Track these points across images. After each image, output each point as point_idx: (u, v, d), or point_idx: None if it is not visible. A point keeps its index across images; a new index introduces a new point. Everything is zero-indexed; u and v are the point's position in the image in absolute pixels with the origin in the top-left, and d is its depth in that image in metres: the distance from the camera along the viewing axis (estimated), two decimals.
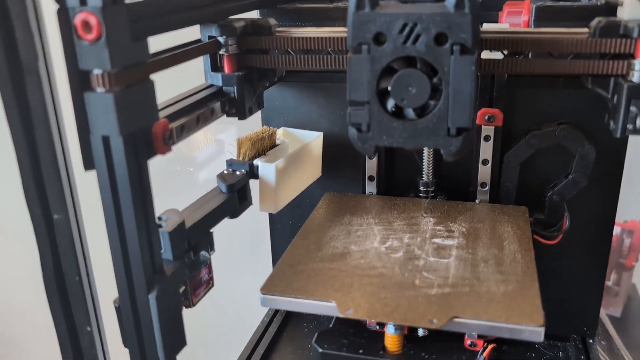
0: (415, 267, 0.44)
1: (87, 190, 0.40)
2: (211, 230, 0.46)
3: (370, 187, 0.61)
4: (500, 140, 0.56)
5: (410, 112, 0.41)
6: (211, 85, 0.49)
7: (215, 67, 0.49)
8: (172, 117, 0.41)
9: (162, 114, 0.41)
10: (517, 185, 0.57)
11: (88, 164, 0.37)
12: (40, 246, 0.39)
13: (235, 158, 0.53)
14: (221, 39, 0.47)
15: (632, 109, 0.41)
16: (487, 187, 0.57)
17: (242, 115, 0.49)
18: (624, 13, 0.42)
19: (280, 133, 0.61)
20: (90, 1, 0.33)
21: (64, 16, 0.34)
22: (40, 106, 0.36)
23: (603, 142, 0.54)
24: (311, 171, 0.60)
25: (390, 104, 0.41)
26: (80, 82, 0.35)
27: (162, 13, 0.40)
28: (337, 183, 0.63)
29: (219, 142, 0.83)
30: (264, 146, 0.55)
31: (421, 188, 0.59)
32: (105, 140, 0.36)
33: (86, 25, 0.33)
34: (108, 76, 0.34)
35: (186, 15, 0.43)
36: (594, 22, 0.43)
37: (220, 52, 0.47)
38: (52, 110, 0.36)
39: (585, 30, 0.44)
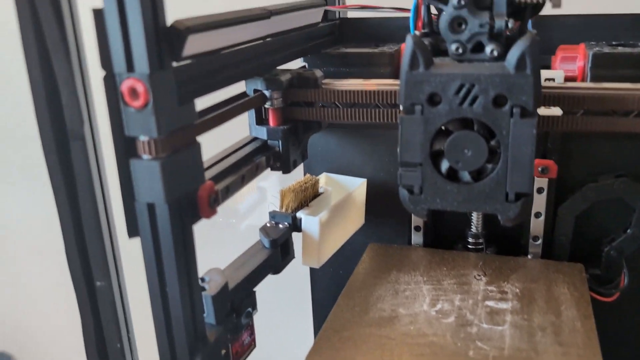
0: (468, 335, 0.42)
1: (130, 256, 0.39)
2: (254, 289, 0.45)
3: (417, 238, 0.59)
4: (554, 192, 0.54)
5: (465, 175, 0.39)
6: (255, 139, 0.48)
7: (260, 120, 0.47)
8: (217, 178, 0.40)
9: (207, 174, 0.40)
10: (571, 239, 0.54)
11: (132, 231, 0.36)
12: (82, 312, 0.38)
13: (278, 210, 0.51)
14: (267, 92, 0.46)
15: None
16: (540, 241, 0.55)
17: (287, 169, 0.47)
18: None
19: (323, 180, 0.60)
20: (138, 67, 0.32)
21: (111, 82, 0.33)
22: (85, 172, 0.35)
23: None
24: (355, 220, 0.58)
25: (445, 165, 0.39)
26: (125, 148, 0.34)
27: (209, 73, 0.39)
28: (381, 232, 0.61)
29: (261, 189, 0.81)
30: (307, 196, 0.54)
31: (470, 240, 0.57)
32: (151, 207, 0.35)
33: (133, 92, 0.33)
34: (154, 143, 0.33)
35: (233, 72, 0.42)
36: None
37: (266, 106, 0.46)
38: (96, 176, 0.35)
39: None
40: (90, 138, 0.35)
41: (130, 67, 0.32)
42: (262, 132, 0.47)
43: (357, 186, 0.58)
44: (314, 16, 0.55)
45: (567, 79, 0.53)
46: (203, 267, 0.42)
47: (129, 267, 0.39)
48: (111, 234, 0.37)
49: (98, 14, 0.32)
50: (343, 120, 0.46)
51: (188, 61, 0.36)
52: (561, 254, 0.55)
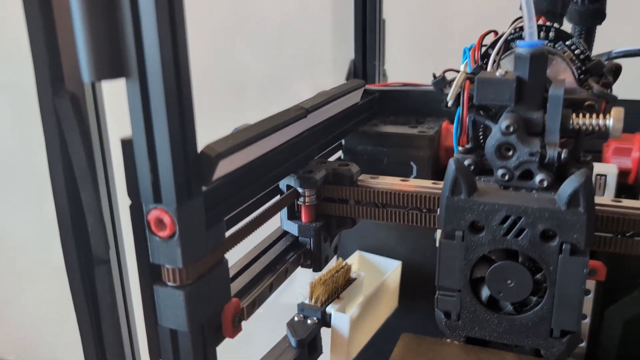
0: None
1: None
2: None
3: None
4: (603, 294, 0.50)
5: (507, 306, 0.36)
6: (286, 233, 0.46)
7: (292, 214, 0.46)
8: (243, 291, 0.39)
9: (233, 287, 0.38)
10: (618, 344, 0.51)
11: (154, 354, 0.34)
12: None
13: (307, 301, 0.50)
14: (299, 189, 0.44)
15: None
16: (585, 343, 0.51)
17: (318, 268, 0.46)
18: None
19: (356, 259, 0.58)
20: (165, 199, 0.31)
21: (137, 211, 0.32)
22: (109, 297, 0.34)
23: None
24: (388, 305, 0.56)
25: (485, 293, 0.36)
26: (150, 274, 0.33)
27: (240, 188, 0.37)
28: (414, 316, 0.58)
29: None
30: (338, 285, 0.52)
31: None
32: (173, 333, 0.34)
33: (160, 222, 0.31)
34: (179, 272, 0.32)
35: (265, 179, 0.40)
36: None
37: (299, 202, 0.45)
38: (121, 301, 0.34)
39: None
40: (116, 262, 0.34)
41: (157, 198, 0.31)
42: (293, 228, 0.45)
43: (392, 271, 0.55)
44: (354, 98, 0.53)
45: (621, 172, 0.50)
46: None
47: None
48: (134, 356, 0.36)
49: (127, 144, 0.30)
50: (378, 220, 0.44)
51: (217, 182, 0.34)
52: (607, 357, 0.51)
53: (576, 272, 0.34)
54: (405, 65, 0.68)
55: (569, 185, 0.32)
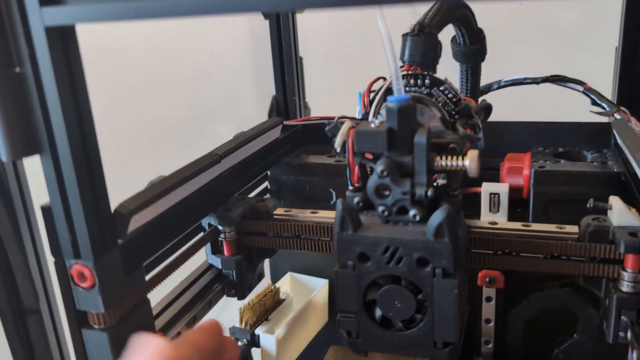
0: None
1: None
2: None
3: None
4: (503, 299, 0.56)
5: (398, 323, 0.42)
6: (211, 266, 0.51)
7: (216, 249, 0.50)
8: (167, 326, 0.43)
9: (157, 323, 0.43)
10: (521, 343, 0.57)
11: None
12: None
13: (237, 326, 0.54)
14: (220, 227, 0.49)
15: (624, 318, 0.41)
16: (491, 345, 0.57)
17: (242, 296, 0.50)
18: (613, 218, 0.42)
19: (288, 280, 0.63)
20: (83, 254, 0.35)
21: (61, 266, 0.36)
22: (42, 342, 0.38)
23: None
24: (317, 321, 0.61)
25: (378, 313, 0.42)
26: (78, 319, 0.37)
27: (158, 233, 0.42)
28: None
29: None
30: (267, 307, 0.57)
31: None
32: None
33: (81, 275, 0.36)
34: (102, 316, 0.37)
35: (184, 222, 0.45)
36: (583, 223, 0.43)
37: (220, 238, 0.49)
38: (55, 345, 0.38)
39: (576, 230, 0.44)
40: (48, 312, 0.38)
41: (77, 254, 0.35)
42: (217, 262, 0.50)
43: (319, 289, 0.61)
44: (273, 134, 0.58)
45: (512, 189, 0.55)
46: None
47: None
48: None
49: (46, 211, 0.35)
50: (295, 249, 0.49)
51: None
52: (513, 357, 0.57)
53: (449, 292, 0.39)
54: (326, 98, 0.74)
55: (435, 219, 0.38)
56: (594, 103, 0.54)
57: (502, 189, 0.55)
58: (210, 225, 0.49)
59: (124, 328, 0.38)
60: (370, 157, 0.41)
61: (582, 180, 0.53)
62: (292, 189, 0.61)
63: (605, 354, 0.56)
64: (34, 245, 0.37)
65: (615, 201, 0.42)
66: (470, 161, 0.38)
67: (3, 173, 0.35)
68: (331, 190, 0.60)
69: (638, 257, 0.40)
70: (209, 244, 0.50)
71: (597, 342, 0.55)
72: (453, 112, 0.44)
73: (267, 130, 0.56)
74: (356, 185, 0.43)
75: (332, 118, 0.64)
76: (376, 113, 0.44)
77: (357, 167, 0.42)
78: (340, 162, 0.60)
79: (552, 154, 0.58)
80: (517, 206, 0.58)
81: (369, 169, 0.42)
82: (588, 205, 0.43)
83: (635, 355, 0.41)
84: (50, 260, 0.38)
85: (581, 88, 0.54)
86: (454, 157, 0.39)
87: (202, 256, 0.51)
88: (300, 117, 0.65)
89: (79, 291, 0.36)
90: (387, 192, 0.40)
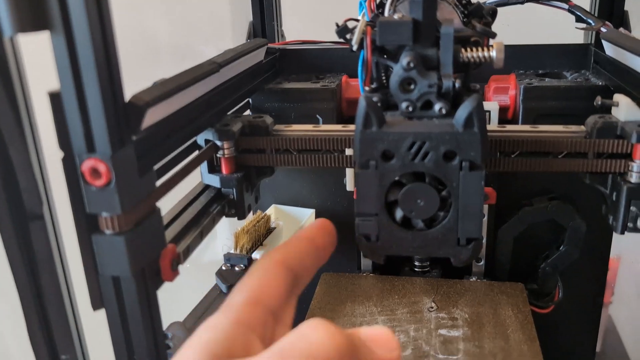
0: None
1: (93, 327, 0.39)
2: None
3: (366, 262, 0.61)
4: (494, 216, 0.57)
5: (419, 223, 0.41)
6: (208, 186, 0.48)
7: (213, 168, 0.48)
8: (177, 238, 0.40)
9: (167, 235, 0.40)
10: (510, 258, 0.58)
11: (96, 304, 0.35)
12: None
13: (232, 251, 0.52)
14: (218, 142, 0.46)
15: (633, 209, 0.42)
16: (482, 262, 0.58)
17: (242, 216, 0.48)
18: (620, 114, 0.43)
19: (273, 212, 0.61)
20: (99, 148, 0.32)
21: (70, 163, 0.32)
22: (46, 252, 0.34)
23: (593, 216, 0.55)
24: None
25: (399, 214, 0.41)
26: (87, 224, 0.34)
27: (166, 138, 0.39)
28: (332, 258, 0.62)
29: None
30: (260, 234, 0.55)
31: (416, 263, 0.59)
32: (116, 280, 0.35)
33: (94, 172, 0.32)
34: (118, 219, 0.33)
35: (187, 130, 0.42)
36: (590, 122, 0.44)
37: (218, 155, 0.47)
38: (57, 255, 0.35)
39: (582, 129, 0.44)
40: (50, 218, 0.34)
41: (90, 147, 0.32)
42: (215, 181, 0.47)
43: (307, 217, 0.59)
44: (258, 56, 0.55)
45: (501, 109, 0.56)
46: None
47: (93, 339, 0.39)
48: (73, 308, 0.36)
49: (55, 98, 0.31)
50: (295, 165, 0.47)
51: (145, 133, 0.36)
52: (502, 272, 0.59)
53: (475, 185, 0.39)
54: (300, 26, 0.71)
55: (463, 110, 0.37)
56: (578, 20, 0.55)
57: (492, 106, 0.55)
58: (207, 141, 0.46)
59: (139, 235, 0.35)
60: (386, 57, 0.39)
61: (570, 94, 0.54)
62: (276, 116, 0.59)
63: (588, 261, 0.58)
64: (35, 142, 0.33)
65: (621, 97, 0.43)
66: (497, 51, 0.38)
67: (2, 52, 0.30)
68: (317, 116, 0.58)
69: None
70: (205, 163, 0.47)
71: (582, 252, 0.57)
72: (464, 13, 0.44)
73: (254, 49, 0.53)
74: (372, 86, 0.42)
75: (315, 42, 0.62)
76: (394, 7, 0.43)
77: (373, 67, 0.41)
78: (326, 86, 0.58)
79: (534, 75, 0.59)
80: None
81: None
82: (595, 103, 0.44)
83: None
84: (49, 159, 0.34)
85: (566, 6, 0.55)
86: (479, 49, 0.38)
87: (196, 178, 0.48)
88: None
89: (91, 191, 0.33)
90: (412, 86, 0.38)
